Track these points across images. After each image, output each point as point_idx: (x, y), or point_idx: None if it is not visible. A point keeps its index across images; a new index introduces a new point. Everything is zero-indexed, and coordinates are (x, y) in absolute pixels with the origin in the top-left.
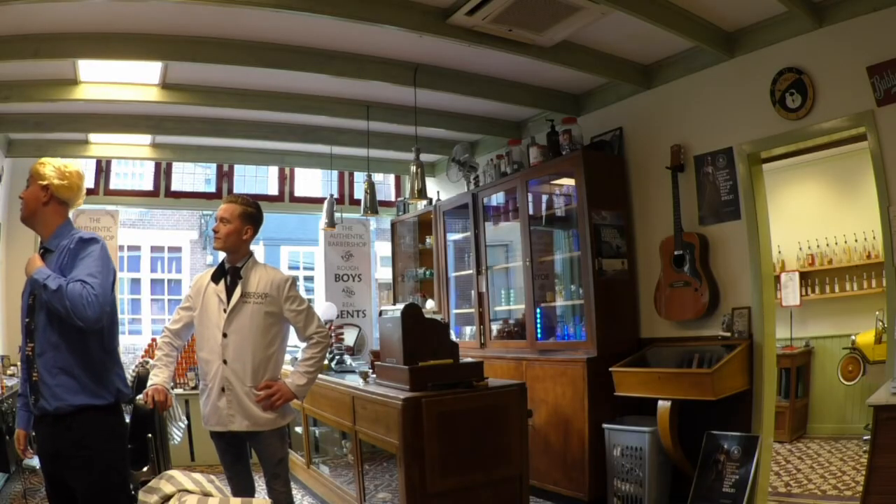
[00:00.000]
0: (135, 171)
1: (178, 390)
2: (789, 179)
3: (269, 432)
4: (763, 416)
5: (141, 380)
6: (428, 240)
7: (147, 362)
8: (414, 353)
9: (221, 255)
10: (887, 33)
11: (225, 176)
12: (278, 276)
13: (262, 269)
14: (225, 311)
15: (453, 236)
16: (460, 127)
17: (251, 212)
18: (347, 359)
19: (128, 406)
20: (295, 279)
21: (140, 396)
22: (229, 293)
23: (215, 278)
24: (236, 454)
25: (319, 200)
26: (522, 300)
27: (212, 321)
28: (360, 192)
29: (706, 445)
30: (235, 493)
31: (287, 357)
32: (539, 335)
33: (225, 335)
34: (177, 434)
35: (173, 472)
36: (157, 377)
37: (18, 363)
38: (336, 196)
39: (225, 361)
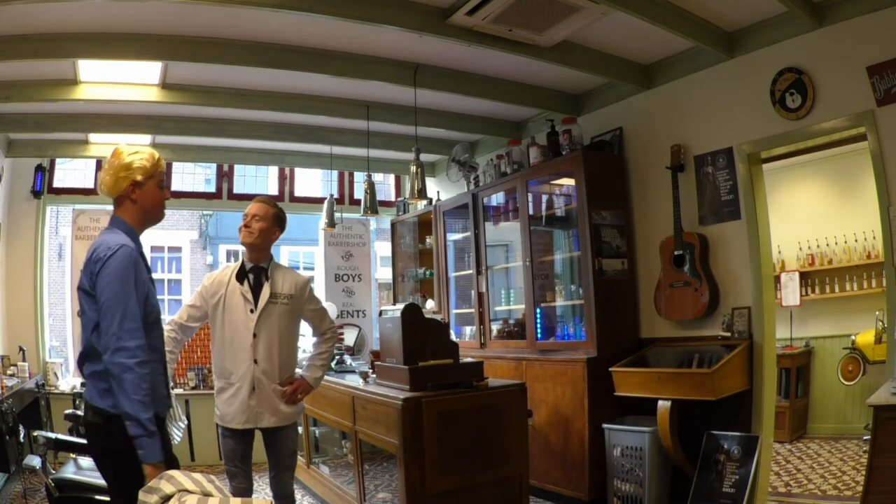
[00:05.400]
0: None
1: (178, 390)
2: (789, 179)
3: (290, 425)
4: (763, 416)
5: None
6: (428, 240)
7: None
8: (414, 353)
9: (222, 255)
10: (887, 33)
11: (225, 176)
12: (300, 277)
13: (284, 271)
14: (252, 311)
15: (453, 236)
16: (460, 127)
17: (281, 215)
18: (347, 359)
19: None
20: (311, 279)
21: None
22: (255, 294)
23: (239, 278)
24: (247, 452)
25: (319, 200)
26: (522, 300)
27: (238, 321)
28: (360, 192)
29: (706, 445)
30: (239, 492)
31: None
32: (539, 335)
33: (255, 335)
34: (177, 434)
35: (173, 472)
36: None
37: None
38: (336, 196)
39: (255, 361)
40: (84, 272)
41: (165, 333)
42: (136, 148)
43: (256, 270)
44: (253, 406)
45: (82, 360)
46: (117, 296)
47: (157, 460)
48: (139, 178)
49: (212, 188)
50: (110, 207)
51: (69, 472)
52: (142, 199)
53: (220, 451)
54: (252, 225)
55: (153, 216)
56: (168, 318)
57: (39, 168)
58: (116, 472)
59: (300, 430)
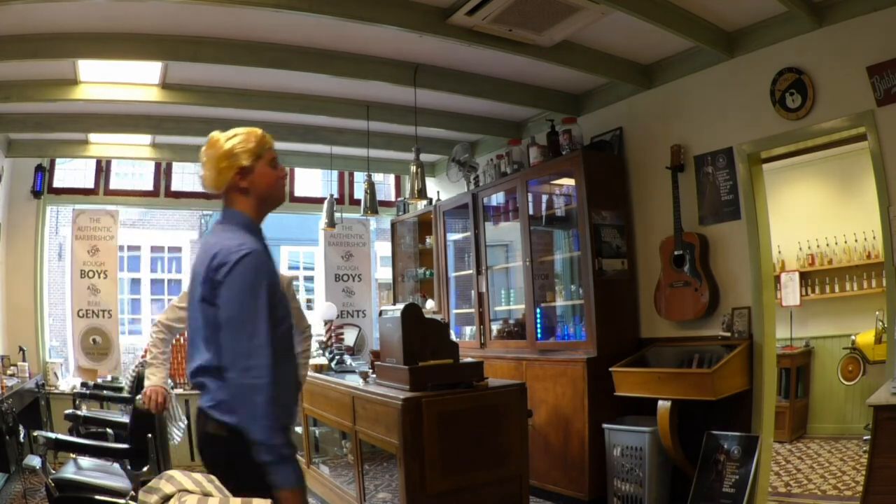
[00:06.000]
0: (135, 171)
1: (179, 390)
2: (789, 179)
3: None
4: (763, 416)
5: (140, 379)
6: (428, 240)
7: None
8: (414, 353)
9: None
10: (887, 33)
11: None
12: (285, 276)
13: None
14: None
15: (453, 236)
16: (460, 127)
17: None
18: (347, 359)
19: (127, 406)
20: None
21: (139, 397)
22: None
23: None
24: None
25: (319, 200)
26: (522, 300)
27: None
28: (360, 192)
29: (706, 445)
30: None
31: None
32: (539, 335)
33: None
34: (177, 434)
35: (173, 472)
36: (155, 376)
37: None
38: (336, 196)
39: None
40: (203, 281)
41: (154, 335)
42: (234, 131)
43: None
44: None
45: (200, 374)
46: (245, 310)
47: (292, 485)
48: (246, 162)
49: None
50: (110, 207)
51: (69, 472)
52: (254, 184)
53: None
54: None
55: (272, 200)
56: (155, 319)
57: (39, 168)
58: (240, 484)
59: (299, 430)
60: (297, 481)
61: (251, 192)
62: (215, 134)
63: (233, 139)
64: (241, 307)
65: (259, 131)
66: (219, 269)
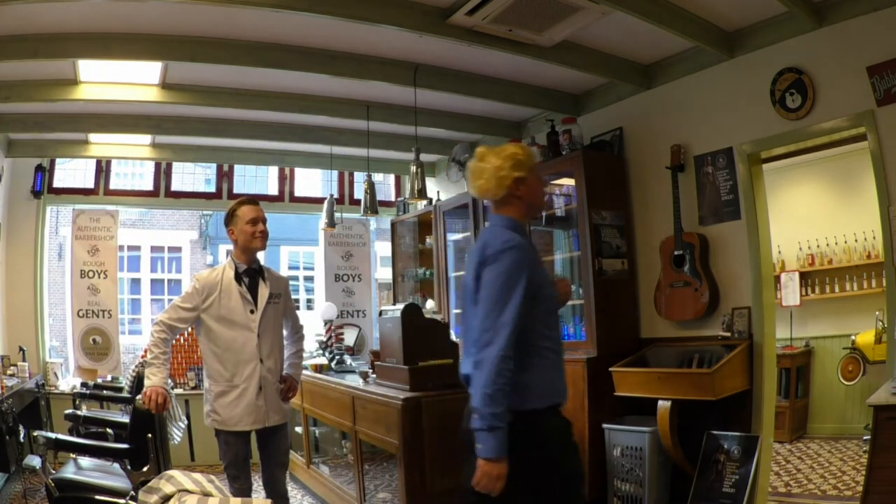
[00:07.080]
0: (135, 171)
1: (178, 390)
2: (789, 179)
3: (286, 423)
4: (763, 416)
5: (140, 379)
6: (428, 240)
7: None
8: (414, 353)
9: (222, 255)
10: (887, 33)
11: (225, 176)
12: (283, 277)
13: (271, 270)
14: (253, 312)
15: (453, 236)
16: (460, 127)
17: None
18: (347, 359)
19: (128, 406)
20: None
21: (139, 397)
22: (253, 294)
23: (238, 280)
24: (249, 453)
25: (319, 200)
26: None
27: (238, 322)
28: (360, 192)
29: (706, 445)
30: (243, 493)
31: None
32: None
33: (258, 335)
34: (177, 434)
35: (173, 472)
36: (156, 376)
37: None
38: (336, 196)
39: (261, 361)
40: (472, 264)
41: (155, 334)
42: (503, 147)
43: (251, 272)
44: (261, 406)
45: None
46: (500, 293)
47: (492, 456)
48: (522, 173)
49: (212, 188)
50: (110, 207)
51: (69, 472)
52: (527, 193)
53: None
54: (265, 229)
55: (538, 207)
56: (156, 319)
57: (39, 168)
58: (511, 472)
59: (299, 430)
60: (498, 454)
61: (524, 199)
62: (482, 148)
63: (506, 152)
64: (497, 290)
65: (526, 147)
66: (484, 260)
